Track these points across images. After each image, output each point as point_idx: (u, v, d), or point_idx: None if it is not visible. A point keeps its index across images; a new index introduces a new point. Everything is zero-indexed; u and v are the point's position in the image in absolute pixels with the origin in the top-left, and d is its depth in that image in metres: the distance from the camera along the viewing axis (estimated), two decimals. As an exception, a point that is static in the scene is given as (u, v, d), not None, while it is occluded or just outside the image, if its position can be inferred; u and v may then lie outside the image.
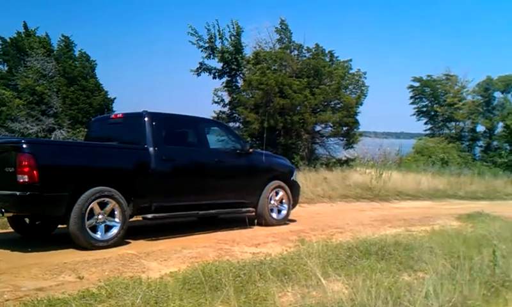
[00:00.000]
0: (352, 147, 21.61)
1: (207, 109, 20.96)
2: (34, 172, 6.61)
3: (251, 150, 9.71)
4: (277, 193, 9.88)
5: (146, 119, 8.18)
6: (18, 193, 6.63)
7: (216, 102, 20.53)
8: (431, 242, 7.05)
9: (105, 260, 6.31)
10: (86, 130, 16.25)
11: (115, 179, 7.50)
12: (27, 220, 8.01)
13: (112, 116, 10.22)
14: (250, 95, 19.29)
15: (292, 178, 10.41)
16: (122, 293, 4.48)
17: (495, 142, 35.69)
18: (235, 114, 20.28)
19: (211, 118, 17.30)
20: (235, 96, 19.97)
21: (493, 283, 5.13)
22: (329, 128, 20.40)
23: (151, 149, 7.98)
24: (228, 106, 20.52)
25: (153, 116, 8.31)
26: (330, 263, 5.62)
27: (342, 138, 20.74)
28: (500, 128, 35.55)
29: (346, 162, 20.57)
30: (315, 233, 8.71)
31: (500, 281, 5.26)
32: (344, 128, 20.29)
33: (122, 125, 8.88)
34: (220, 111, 20.48)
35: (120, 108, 22.05)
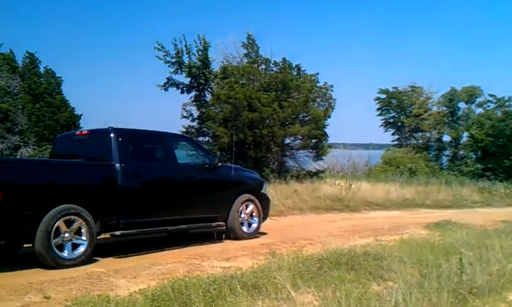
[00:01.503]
0: (321, 159, 21.75)
1: (175, 124, 20.87)
2: None
3: (219, 164, 9.66)
4: (247, 206, 9.86)
5: (112, 135, 8.08)
6: None
7: (185, 117, 20.51)
8: (400, 251, 7.13)
9: (72, 279, 6.19)
10: (51, 147, 15.98)
11: (81, 196, 7.38)
12: None
13: (78, 132, 10.06)
14: (219, 109, 19.28)
15: (261, 191, 10.39)
16: (89, 312, 4.39)
17: (461, 152, 36.56)
18: (204, 129, 20.24)
19: (179, 133, 17.22)
20: (203, 110, 19.95)
21: (461, 290, 5.20)
22: (299, 141, 20.49)
23: (117, 165, 7.88)
24: (196, 120, 20.48)
25: (119, 131, 8.23)
26: (300, 275, 5.62)
27: (311, 150, 20.85)
28: (465, 137, 36.42)
29: (316, 174, 20.68)
30: (285, 246, 8.72)
31: (467, 288, 5.33)
32: (313, 141, 20.41)
33: (88, 142, 8.73)
34: (189, 126, 20.44)
35: (87, 124, 21.85)
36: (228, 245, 8.88)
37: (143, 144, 9.13)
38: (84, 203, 7.30)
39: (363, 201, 17.24)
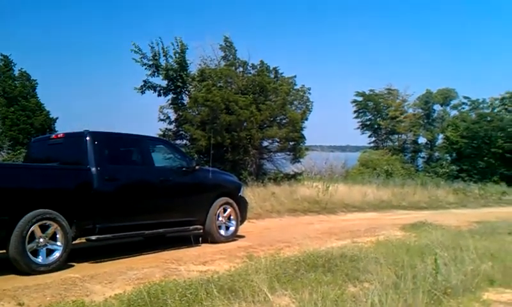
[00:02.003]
0: (299, 161, 21.81)
1: (153, 127, 20.68)
2: None
3: (197, 167, 9.62)
4: (225, 210, 9.86)
5: (87, 138, 8.01)
6: None
7: (162, 120, 20.33)
8: (376, 252, 7.19)
9: (47, 285, 6.10)
10: (26, 151, 15.73)
11: (56, 201, 7.28)
12: None
13: (53, 136, 9.94)
14: (196, 112, 19.20)
15: (239, 194, 10.39)
16: (63, 319, 4.33)
17: (436, 153, 37.10)
18: (181, 132, 20.12)
19: (156, 136, 17.11)
20: (181, 113, 19.83)
21: (436, 290, 5.26)
22: (276, 144, 20.52)
23: (93, 169, 7.80)
24: (174, 123, 20.34)
25: (95, 135, 8.15)
26: (277, 278, 5.63)
27: (288, 153, 20.89)
28: (440, 139, 36.97)
29: (294, 177, 20.73)
30: (263, 249, 8.73)
31: (442, 289, 5.41)
32: (291, 143, 20.46)
33: (63, 145, 8.63)
34: (166, 129, 20.28)
35: (63, 128, 21.54)
36: (205, 249, 8.84)
37: (120, 148, 9.05)
38: (59, 207, 7.21)
39: (341, 203, 17.35)
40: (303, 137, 20.84)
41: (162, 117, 20.28)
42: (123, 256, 8.14)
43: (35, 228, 6.88)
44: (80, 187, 7.73)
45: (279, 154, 20.98)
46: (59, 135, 9.16)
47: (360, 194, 19.05)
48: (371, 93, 38.03)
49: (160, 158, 9.71)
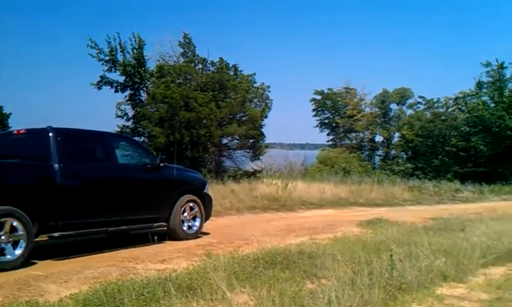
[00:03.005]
0: (258, 159, 21.85)
1: (110, 123, 20.36)
2: None
3: (161, 164, 9.57)
4: (189, 207, 9.83)
5: (50, 134, 7.91)
6: None
7: (119, 116, 20.07)
8: (334, 249, 7.27)
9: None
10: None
11: (18, 197, 7.16)
12: None
13: (15, 131, 9.72)
14: (155, 109, 19.02)
15: (204, 191, 10.39)
16: (16, 320, 4.22)
17: (393, 151, 37.89)
18: (139, 128, 19.90)
19: (118, 133, 16.88)
20: (139, 110, 19.61)
21: (391, 286, 5.38)
22: (236, 141, 20.54)
23: (56, 165, 7.71)
24: (132, 120, 20.11)
25: (59, 131, 8.06)
26: (236, 275, 5.63)
27: (248, 150, 20.94)
28: (396, 138, 37.74)
29: (253, 174, 20.76)
30: (222, 246, 8.72)
31: (397, 285, 5.53)
32: (250, 141, 20.50)
33: (25, 141, 8.48)
34: (124, 125, 20.03)
35: (16, 124, 20.90)
36: (164, 247, 8.77)
37: (83, 144, 8.91)
38: (20, 204, 7.09)
39: (299, 201, 17.45)
40: (262, 135, 20.91)
41: (119, 113, 20.04)
42: (80, 254, 8.00)
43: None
44: (43, 183, 7.62)
45: (238, 151, 21.00)
46: (21, 131, 8.91)
47: (318, 191, 19.21)
48: (329, 91, 38.46)
49: (124, 155, 9.66)
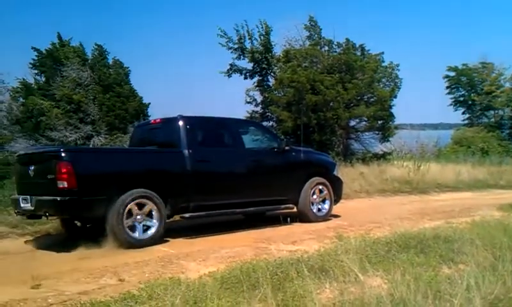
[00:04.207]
0: (388, 140, 21.29)
1: (240, 110, 20.92)
2: (73, 178, 6.90)
3: (287, 148, 9.75)
4: (319, 189, 9.93)
5: (180, 123, 8.45)
6: (58, 198, 6.99)
7: (249, 102, 20.51)
8: (472, 233, 6.89)
9: (145, 262, 6.43)
10: (123, 135, 16.65)
11: (153, 181, 7.76)
12: (78, 223, 8.48)
13: (152, 121, 10.55)
14: (282, 93, 19.23)
15: (334, 173, 10.43)
16: (162, 294, 4.53)
17: (537, 129, 34.70)
18: (268, 113, 20.23)
19: (245, 118, 17.37)
20: (267, 95, 19.93)
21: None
22: (364, 123, 20.16)
23: (186, 151, 8.21)
24: (260, 105, 20.47)
25: (187, 119, 8.57)
26: (368, 258, 5.55)
27: (377, 132, 20.47)
28: (541, 114, 34.54)
29: (383, 156, 20.30)
30: (352, 229, 8.65)
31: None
32: (379, 122, 20.04)
33: (161, 130, 9.17)
34: (253, 111, 20.44)
35: (155, 113, 22.22)
36: (294, 228, 8.90)
37: (211, 131, 9.36)
38: (155, 187, 7.69)
39: (433, 183, 16.79)
40: (391, 116, 20.33)
41: (248, 99, 20.52)
42: (214, 234, 8.47)
43: (132, 205, 7.41)
44: (174, 168, 8.20)
45: (367, 133, 20.61)
46: (157, 121, 9.72)
47: (453, 173, 18.32)
48: (464, 67, 36.18)
49: (251, 139, 9.98)
